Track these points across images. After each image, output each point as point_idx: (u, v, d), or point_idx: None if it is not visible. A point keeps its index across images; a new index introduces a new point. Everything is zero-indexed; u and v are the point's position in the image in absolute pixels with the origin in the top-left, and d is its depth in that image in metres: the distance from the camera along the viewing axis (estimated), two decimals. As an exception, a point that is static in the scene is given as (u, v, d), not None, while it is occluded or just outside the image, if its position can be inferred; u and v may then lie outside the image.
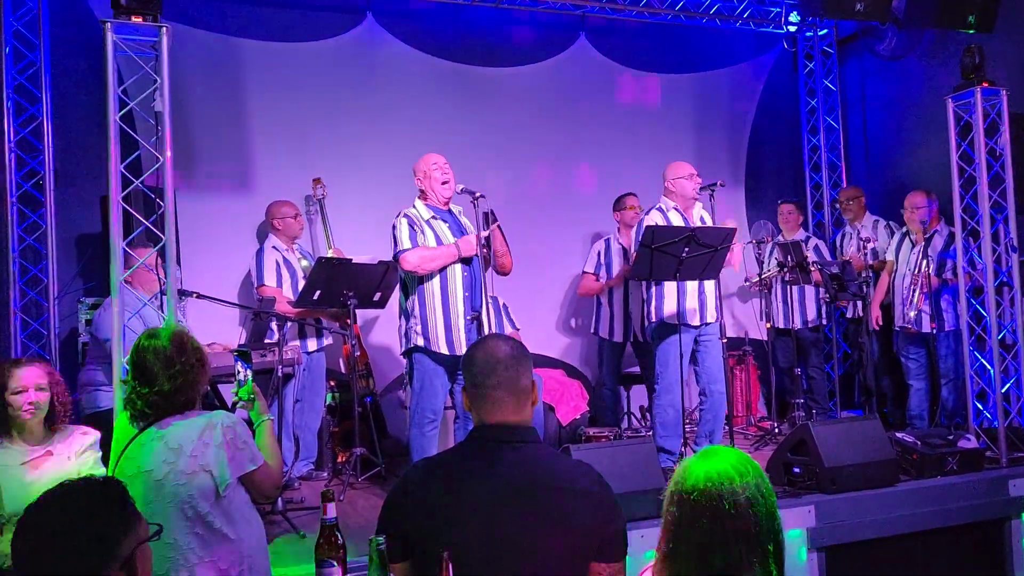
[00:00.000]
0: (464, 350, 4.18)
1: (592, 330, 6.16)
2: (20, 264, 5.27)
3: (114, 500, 1.54)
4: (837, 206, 6.68)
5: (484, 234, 4.23)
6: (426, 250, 4.28)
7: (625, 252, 5.86)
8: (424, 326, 4.29)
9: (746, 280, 6.53)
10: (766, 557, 1.69)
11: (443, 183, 4.37)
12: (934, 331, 5.56)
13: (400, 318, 4.48)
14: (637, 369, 6.26)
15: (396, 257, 4.33)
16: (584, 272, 6.12)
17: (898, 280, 5.80)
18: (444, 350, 4.27)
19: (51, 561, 1.46)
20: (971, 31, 5.36)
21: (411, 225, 4.30)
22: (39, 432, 2.87)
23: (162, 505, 2.31)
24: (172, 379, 2.41)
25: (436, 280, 4.30)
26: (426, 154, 4.47)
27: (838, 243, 6.70)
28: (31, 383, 2.83)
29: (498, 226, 4.33)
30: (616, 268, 5.91)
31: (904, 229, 5.86)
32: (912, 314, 5.60)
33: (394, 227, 4.34)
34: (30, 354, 5.18)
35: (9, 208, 5.21)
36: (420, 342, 4.29)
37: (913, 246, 5.72)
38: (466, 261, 4.31)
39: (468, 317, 4.29)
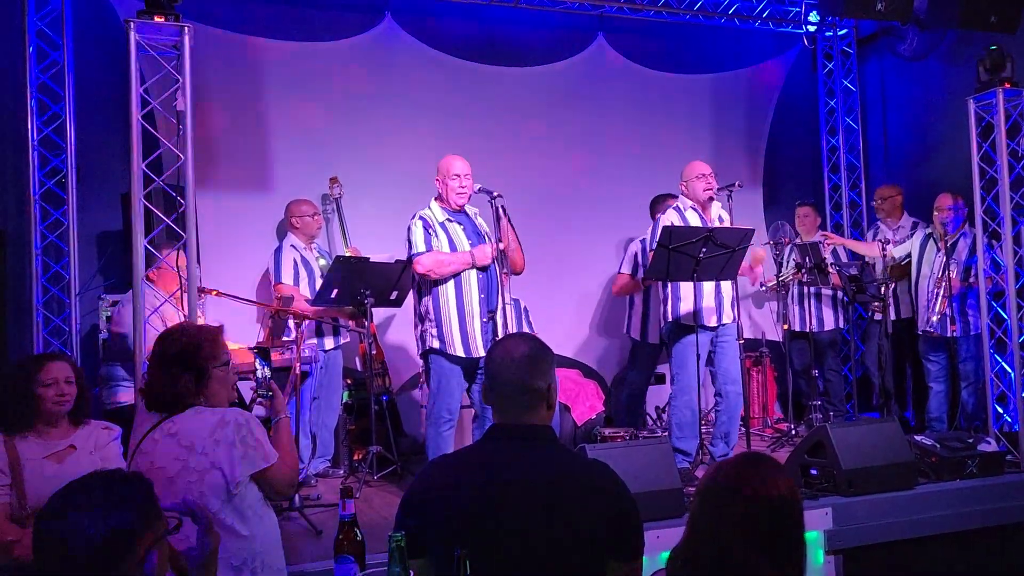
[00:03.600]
0: (480, 351, 4.21)
1: (624, 330, 6.16)
2: (42, 261, 5.32)
3: (137, 495, 1.54)
4: (873, 203, 6.55)
5: (501, 246, 4.22)
6: (440, 255, 4.29)
7: None
8: (439, 328, 4.29)
9: (762, 286, 6.47)
10: (789, 560, 1.70)
11: (458, 193, 4.37)
12: (954, 334, 5.51)
13: (415, 320, 4.49)
14: (663, 369, 6.24)
15: (410, 260, 4.35)
16: (620, 272, 6.10)
17: (922, 283, 5.74)
18: (460, 352, 4.27)
19: (71, 554, 1.44)
20: (993, 32, 5.31)
21: (426, 228, 4.31)
22: (63, 426, 2.90)
23: (173, 502, 2.32)
24: (159, 376, 2.45)
25: (451, 282, 4.30)
26: (453, 158, 4.43)
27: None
28: (61, 376, 2.87)
29: (509, 223, 4.32)
30: None
31: (928, 230, 5.79)
32: (935, 318, 5.55)
33: (409, 229, 4.35)
34: (52, 350, 5.24)
35: (32, 205, 5.27)
36: (436, 344, 4.30)
37: (938, 249, 5.66)
38: (481, 268, 4.31)
39: (484, 318, 4.29)
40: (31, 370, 2.85)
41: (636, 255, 5.99)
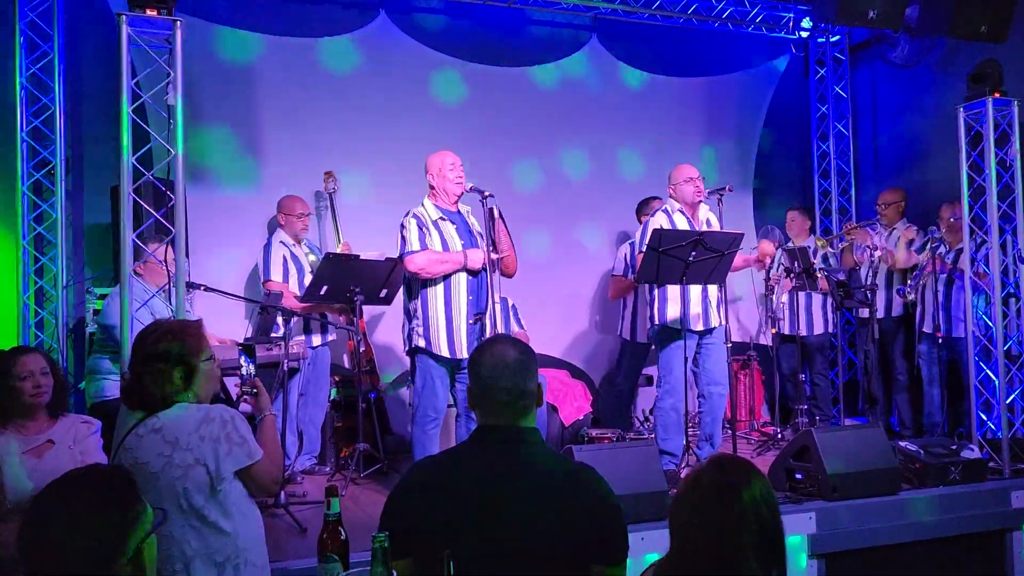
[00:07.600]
0: (465, 353, 4.20)
1: (618, 331, 6.19)
2: (30, 253, 5.30)
3: (124, 491, 1.52)
4: (876, 207, 6.51)
5: (494, 256, 4.22)
6: (434, 254, 4.27)
7: None
8: (426, 328, 4.28)
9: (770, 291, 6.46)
10: (770, 561, 1.72)
11: (456, 183, 4.37)
12: (940, 337, 5.57)
13: (404, 317, 4.49)
14: (651, 371, 6.26)
15: (402, 257, 4.34)
16: (613, 275, 6.12)
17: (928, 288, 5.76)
18: (445, 352, 4.27)
19: (60, 555, 1.42)
20: (983, 41, 5.34)
21: (420, 226, 4.30)
22: (40, 420, 2.89)
23: (157, 498, 2.29)
24: (147, 376, 2.41)
25: (440, 283, 4.28)
26: (442, 151, 4.45)
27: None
28: (36, 368, 2.86)
29: (503, 224, 4.32)
30: None
31: (939, 235, 5.75)
32: (935, 320, 5.62)
33: (402, 227, 4.34)
34: (38, 342, 5.22)
35: (20, 197, 5.24)
36: (422, 343, 4.29)
37: (947, 252, 5.68)
38: (472, 272, 4.31)
39: (471, 320, 4.29)
40: (5, 364, 2.84)
41: (626, 256, 6.01)
